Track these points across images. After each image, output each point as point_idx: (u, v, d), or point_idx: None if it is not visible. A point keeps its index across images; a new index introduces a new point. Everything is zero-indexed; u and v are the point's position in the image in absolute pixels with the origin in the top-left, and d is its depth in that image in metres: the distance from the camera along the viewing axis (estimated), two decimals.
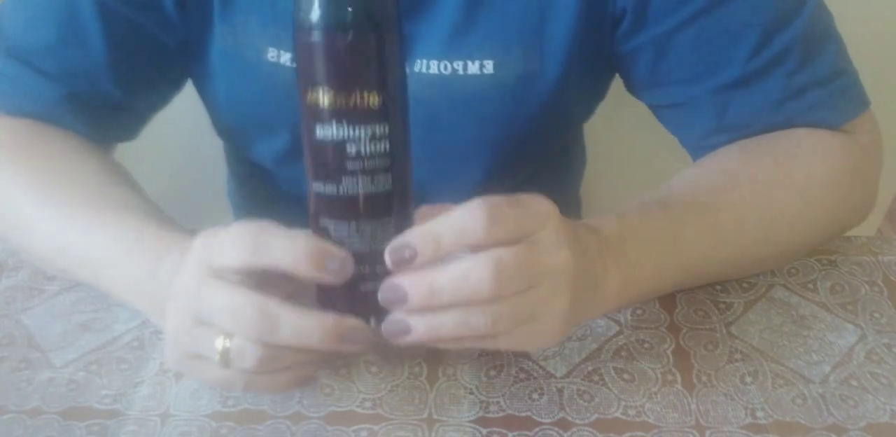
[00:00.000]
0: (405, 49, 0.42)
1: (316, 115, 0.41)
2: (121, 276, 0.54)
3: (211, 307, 0.43)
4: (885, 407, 0.53)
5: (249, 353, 0.43)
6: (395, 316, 0.43)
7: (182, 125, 0.90)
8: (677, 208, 0.56)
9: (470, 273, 0.42)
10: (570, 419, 0.52)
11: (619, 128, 1.00)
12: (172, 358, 0.46)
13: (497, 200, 0.43)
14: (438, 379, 0.54)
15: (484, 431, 0.51)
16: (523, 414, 0.52)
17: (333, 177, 0.42)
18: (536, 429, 0.51)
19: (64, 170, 0.61)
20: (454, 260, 0.42)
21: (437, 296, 0.42)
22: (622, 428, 0.51)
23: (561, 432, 0.51)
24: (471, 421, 0.52)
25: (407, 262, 0.42)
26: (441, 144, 0.69)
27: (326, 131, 0.41)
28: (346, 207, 0.42)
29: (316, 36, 0.40)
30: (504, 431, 0.51)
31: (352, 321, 0.43)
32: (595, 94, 0.73)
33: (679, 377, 0.55)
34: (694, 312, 0.60)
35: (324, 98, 0.40)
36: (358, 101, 0.40)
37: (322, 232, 0.43)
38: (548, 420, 0.52)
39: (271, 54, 0.64)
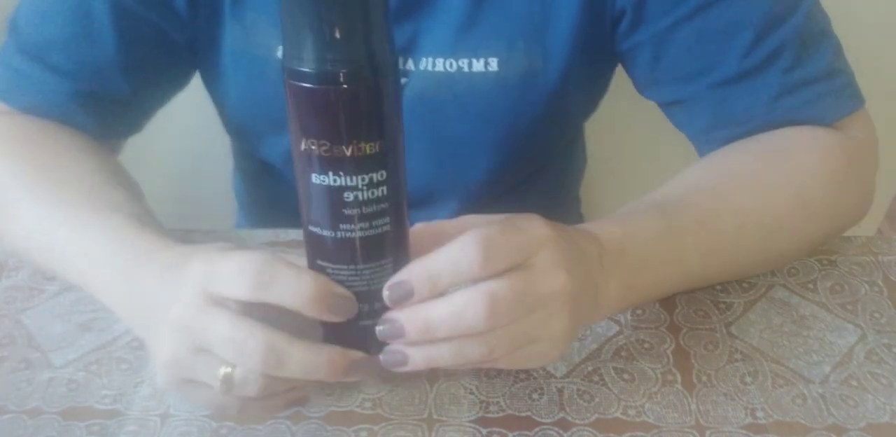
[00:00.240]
0: (401, 93, 0.40)
1: (311, 164, 0.40)
2: (100, 278, 0.54)
3: (212, 337, 0.42)
4: (885, 407, 0.53)
5: (252, 382, 0.43)
6: (394, 347, 0.44)
7: (188, 121, 0.90)
8: (676, 214, 0.56)
9: (465, 309, 0.42)
10: (570, 419, 0.52)
11: (619, 128, 1.00)
12: (165, 381, 0.46)
13: (491, 231, 0.43)
14: (438, 379, 0.54)
15: (484, 431, 0.51)
16: (523, 414, 0.52)
17: (330, 223, 0.41)
18: (536, 429, 0.51)
19: (62, 168, 0.61)
20: (450, 292, 0.43)
21: (433, 331, 0.42)
22: (622, 428, 0.51)
23: (561, 432, 0.51)
24: (471, 421, 0.52)
25: (404, 300, 0.43)
26: (445, 141, 0.69)
27: (322, 180, 0.40)
28: (343, 251, 0.42)
29: (309, 87, 0.38)
30: (504, 431, 0.51)
31: (356, 355, 0.44)
32: (596, 91, 0.74)
33: (679, 377, 0.55)
34: (694, 312, 0.60)
35: (320, 149, 0.39)
36: (356, 151, 0.39)
37: (319, 270, 0.43)
38: (548, 420, 0.52)
39: (281, 52, 0.64)
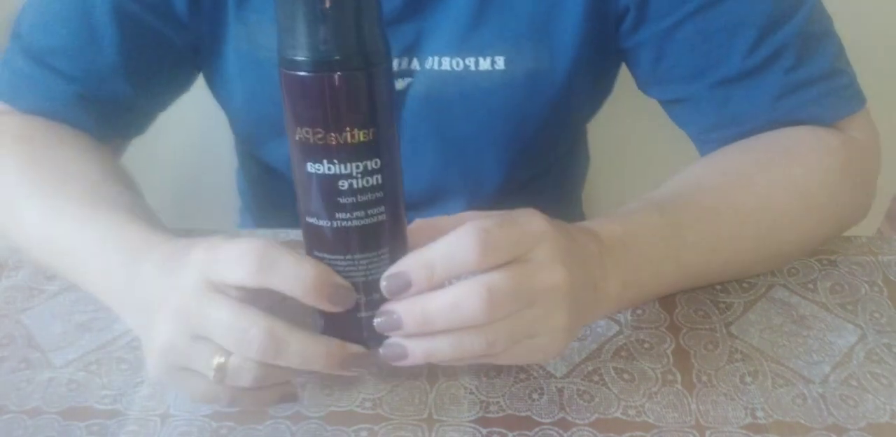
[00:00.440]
0: (393, 81, 0.41)
1: (306, 152, 0.40)
2: (98, 273, 0.54)
3: (212, 324, 0.42)
4: (885, 407, 0.53)
5: (247, 371, 0.43)
6: (393, 340, 0.44)
7: (191, 121, 0.90)
8: (677, 212, 0.56)
9: (463, 300, 0.42)
10: (570, 419, 0.52)
11: (621, 128, 1.00)
12: (158, 369, 0.46)
13: (489, 223, 0.43)
14: (438, 379, 0.54)
15: (484, 431, 0.51)
16: (523, 414, 0.52)
17: (326, 212, 0.41)
18: (536, 429, 0.51)
19: (63, 166, 0.61)
20: (449, 285, 0.43)
21: (430, 323, 0.42)
22: (622, 428, 0.51)
23: (561, 432, 0.51)
24: (471, 421, 0.52)
25: (402, 291, 0.43)
26: (452, 140, 0.69)
27: (317, 168, 0.40)
28: (339, 241, 0.42)
29: (303, 75, 0.38)
30: (504, 431, 0.51)
31: (354, 348, 0.44)
32: (601, 89, 0.74)
33: (679, 377, 0.55)
34: (694, 312, 0.60)
35: (314, 137, 0.39)
36: (349, 138, 0.39)
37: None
38: (548, 420, 0.52)
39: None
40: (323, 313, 0.44)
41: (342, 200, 0.41)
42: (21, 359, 0.56)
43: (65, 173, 0.61)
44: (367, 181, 0.40)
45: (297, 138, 0.40)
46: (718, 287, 0.62)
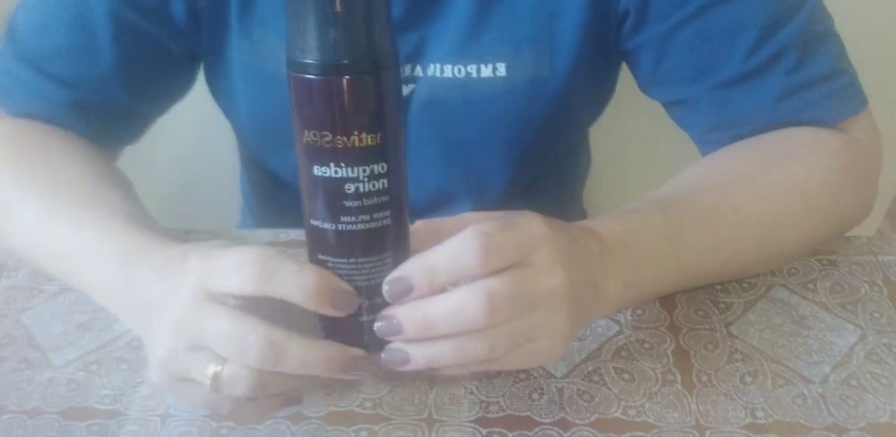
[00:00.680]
0: (401, 86, 0.41)
1: (313, 155, 0.40)
2: (97, 277, 0.54)
3: (209, 333, 0.42)
4: (885, 407, 0.53)
5: (241, 380, 0.43)
6: (395, 346, 0.44)
7: (191, 120, 0.90)
8: (678, 211, 0.56)
9: (464, 305, 0.42)
10: (570, 419, 0.52)
11: (622, 130, 1.00)
12: (159, 379, 0.46)
13: (490, 227, 0.43)
14: (438, 379, 0.54)
15: (484, 431, 0.51)
16: (523, 414, 0.52)
17: (331, 215, 0.41)
18: (536, 429, 0.51)
19: (57, 169, 0.61)
20: (449, 290, 0.43)
21: (431, 328, 0.42)
22: (622, 428, 0.51)
23: (561, 432, 0.51)
24: (471, 421, 0.52)
25: (404, 296, 0.42)
26: (455, 145, 0.69)
27: (324, 171, 0.40)
28: (344, 245, 0.42)
29: (312, 78, 0.39)
30: (504, 431, 0.51)
31: (355, 352, 0.44)
32: (603, 93, 0.74)
33: (679, 377, 0.55)
34: (694, 312, 0.60)
35: (322, 140, 0.39)
36: (357, 142, 0.39)
37: (320, 265, 0.43)
38: (548, 420, 0.52)
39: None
40: (324, 318, 0.44)
41: (348, 204, 0.41)
42: (21, 359, 0.56)
43: (59, 177, 0.60)
44: (374, 185, 0.41)
45: (304, 141, 0.40)
46: (718, 287, 0.62)
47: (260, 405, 0.47)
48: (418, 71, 0.65)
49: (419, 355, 0.43)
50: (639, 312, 0.60)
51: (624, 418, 0.52)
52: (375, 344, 0.44)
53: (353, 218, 0.41)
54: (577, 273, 0.46)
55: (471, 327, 0.42)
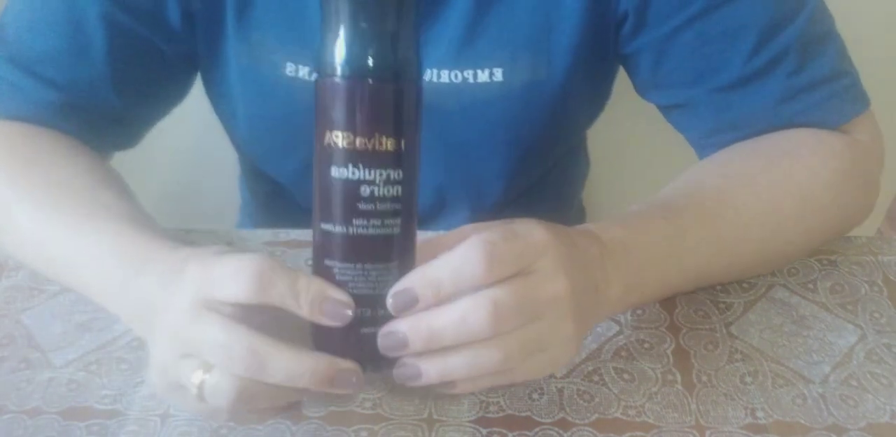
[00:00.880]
0: (422, 100, 0.42)
1: (332, 156, 0.41)
2: (98, 281, 0.54)
3: (201, 341, 0.42)
4: (885, 407, 0.53)
5: (225, 390, 0.42)
6: (406, 360, 0.43)
7: (191, 119, 0.90)
8: (679, 215, 0.56)
9: (468, 315, 0.42)
10: (570, 419, 0.52)
11: (621, 132, 1.00)
12: (159, 387, 0.46)
13: (493, 236, 0.43)
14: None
15: (484, 431, 0.51)
16: (523, 414, 0.52)
17: (344, 218, 0.42)
18: (536, 429, 0.51)
19: (52, 172, 0.60)
20: (452, 301, 0.42)
21: (437, 340, 0.42)
22: (622, 428, 0.51)
23: (561, 432, 0.51)
24: (471, 421, 0.52)
25: (409, 308, 0.42)
26: (453, 149, 0.69)
27: (342, 173, 0.41)
28: (353, 249, 0.42)
29: (340, 81, 0.40)
30: (504, 431, 0.51)
31: (345, 364, 0.42)
32: (600, 95, 0.74)
33: (679, 377, 0.55)
34: (694, 312, 0.60)
35: (343, 141, 0.41)
36: (377, 145, 0.41)
37: (325, 272, 0.43)
38: (548, 420, 0.52)
39: (289, 69, 0.64)
40: (320, 329, 0.43)
41: (362, 207, 0.41)
42: (21, 359, 0.56)
43: (54, 179, 0.60)
44: (388, 190, 0.41)
45: (324, 144, 0.41)
46: (718, 287, 0.62)
47: (254, 413, 0.46)
48: None
49: (432, 369, 0.43)
50: (639, 312, 0.60)
51: (624, 418, 0.52)
52: (374, 358, 0.44)
53: (366, 221, 0.42)
54: (579, 278, 0.46)
55: (477, 337, 0.42)
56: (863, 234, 0.67)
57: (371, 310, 0.43)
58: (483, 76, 0.64)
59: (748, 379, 0.54)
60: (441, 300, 0.42)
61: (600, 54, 0.65)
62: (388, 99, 0.41)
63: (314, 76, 0.41)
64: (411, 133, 0.42)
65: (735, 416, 0.52)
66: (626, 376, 0.55)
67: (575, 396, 0.53)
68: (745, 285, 0.62)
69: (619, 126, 0.93)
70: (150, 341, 0.47)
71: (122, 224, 0.55)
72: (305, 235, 0.66)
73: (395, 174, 0.41)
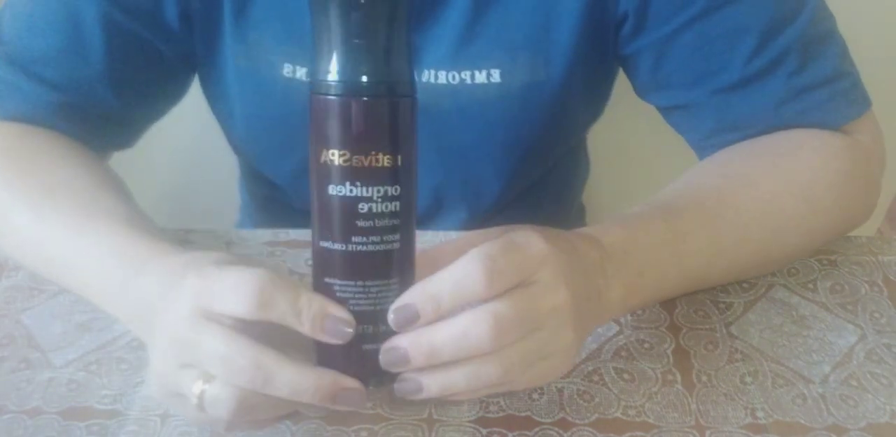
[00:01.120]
0: (417, 115, 0.42)
1: (329, 174, 0.41)
2: (97, 281, 0.54)
3: (202, 352, 0.42)
4: (885, 407, 0.53)
5: (225, 401, 0.42)
6: (407, 375, 0.43)
7: (190, 119, 0.90)
8: (679, 216, 0.56)
9: (469, 330, 0.41)
10: (570, 419, 0.52)
11: (621, 134, 1.00)
12: (158, 393, 0.46)
13: (492, 249, 0.42)
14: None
15: (484, 431, 0.51)
16: (523, 414, 0.52)
17: (342, 235, 0.42)
18: (536, 429, 0.51)
19: (50, 173, 0.60)
20: (452, 315, 0.42)
21: (438, 356, 0.42)
22: (622, 428, 0.51)
23: (561, 432, 0.51)
24: (471, 421, 0.52)
25: (410, 324, 0.42)
26: (451, 150, 0.69)
27: (339, 190, 0.41)
28: (353, 266, 0.42)
29: (334, 98, 0.40)
30: (504, 431, 0.51)
31: (349, 383, 0.42)
32: (599, 97, 0.74)
33: (679, 377, 0.55)
34: (694, 312, 0.60)
35: (339, 159, 0.41)
36: (374, 162, 0.41)
37: (325, 289, 0.43)
38: (548, 420, 0.52)
39: (286, 70, 0.64)
40: (322, 345, 0.43)
41: (360, 224, 0.41)
42: (21, 359, 0.56)
43: (52, 181, 0.59)
44: (386, 207, 0.41)
45: (321, 161, 0.41)
46: (718, 287, 0.62)
47: (255, 422, 0.46)
48: None
49: (433, 384, 0.43)
50: (639, 312, 0.60)
51: (624, 418, 0.52)
52: (376, 373, 0.44)
53: (364, 239, 0.42)
54: (580, 286, 0.46)
55: (478, 352, 0.42)
56: (863, 234, 0.67)
57: (372, 326, 0.43)
58: (481, 77, 0.64)
59: (748, 379, 0.54)
60: (442, 315, 0.42)
61: (599, 55, 0.65)
62: (384, 116, 0.41)
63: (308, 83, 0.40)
64: (408, 148, 0.42)
65: (735, 416, 0.52)
66: (626, 376, 0.55)
67: (575, 396, 0.53)
68: (745, 285, 0.62)
69: (619, 127, 0.93)
70: (150, 343, 0.46)
71: (122, 225, 0.54)
72: (305, 235, 0.66)
73: (392, 190, 0.41)
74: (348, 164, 0.40)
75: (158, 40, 0.64)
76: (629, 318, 0.59)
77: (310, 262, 0.44)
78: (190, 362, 0.42)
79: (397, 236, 0.42)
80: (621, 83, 0.73)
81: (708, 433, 0.51)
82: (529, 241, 0.44)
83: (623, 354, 0.56)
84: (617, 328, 0.58)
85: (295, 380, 0.41)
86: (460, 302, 0.42)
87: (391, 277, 0.43)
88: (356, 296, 0.43)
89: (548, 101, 0.66)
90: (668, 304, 0.60)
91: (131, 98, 0.66)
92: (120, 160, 0.72)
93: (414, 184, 0.43)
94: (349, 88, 0.40)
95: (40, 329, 0.59)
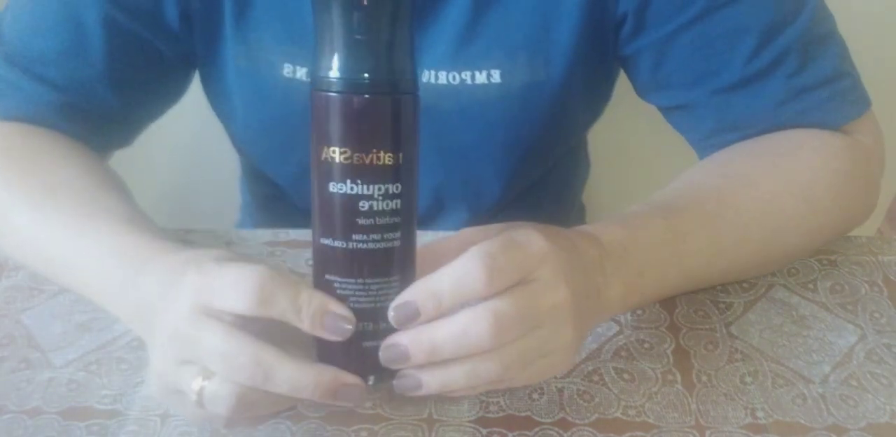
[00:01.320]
0: (419, 114, 0.42)
1: (330, 172, 0.41)
2: (97, 281, 0.54)
3: (202, 348, 0.42)
4: (885, 407, 0.53)
5: (225, 397, 0.42)
6: (407, 372, 0.43)
7: (191, 118, 0.90)
8: (679, 215, 0.56)
9: (469, 328, 0.42)
10: (570, 419, 0.52)
11: (622, 133, 1.00)
12: (157, 390, 0.46)
13: (492, 247, 0.42)
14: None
15: (484, 431, 0.51)
16: (523, 414, 0.52)
17: (343, 233, 0.42)
18: (536, 429, 0.51)
19: (51, 173, 0.60)
20: (452, 312, 0.42)
21: (438, 353, 0.42)
22: (622, 428, 0.51)
23: (561, 432, 0.51)
24: (471, 421, 0.52)
25: (411, 321, 0.42)
26: (451, 150, 0.69)
27: (340, 188, 0.41)
28: (353, 264, 0.42)
29: (336, 95, 0.40)
30: (504, 431, 0.51)
31: (349, 379, 0.43)
32: (600, 96, 0.74)
33: (679, 377, 0.55)
34: (694, 312, 0.60)
35: (340, 157, 0.40)
36: (374, 160, 0.40)
37: (326, 286, 0.43)
38: (548, 420, 0.52)
39: (287, 70, 0.64)
40: (322, 341, 0.43)
41: (361, 222, 0.41)
42: (21, 359, 0.56)
43: (52, 181, 0.59)
44: (387, 204, 0.41)
45: (321, 159, 0.41)
46: (718, 287, 0.62)
47: (254, 420, 0.46)
48: None
49: (432, 381, 0.43)
50: (639, 312, 0.60)
51: (624, 418, 0.52)
52: (376, 370, 0.44)
53: (365, 236, 0.42)
54: (579, 283, 0.46)
55: (478, 349, 0.42)
56: (863, 234, 0.67)
57: (373, 323, 0.43)
58: (481, 78, 0.64)
59: (748, 379, 0.55)
60: (442, 313, 0.42)
61: (599, 55, 0.65)
62: (386, 113, 0.40)
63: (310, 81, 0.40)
64: (409, 146, 0.41)
65: (735, 416, 0.52)
66: (626, 376, 0.55)
67: (575, 396, 0.53)
68: (745, 285, 0.62)
69: (619, 127, 0.93)
70: (150, 342, 0.46)
71: (123, 225, 0.55)
72: (305, 235, 0.66)
73: (393, 188, 0.41)
74: (349, 161, 0.40)
75: (159, 40, 0.64)
76: (629, 318, 0.59)
77: (310, 262, 0.44)
78: (190, 358, 0.42)
79: (398, 234, 0.42)
80: (621, 83, 0.73)
81: (708, 433, 0.51)
82: (530, 239, 0.44)
83: (623, 354, 0.56)
84: (617, 328, 0.58)
85: (295, 376, 0.41)
86: (461, 300, 0.42)
87: (391, 274, 0.43)
88: (356, 293, 0.43)
89: (548, 101, 0.66)
90: (668, 304, 0.60)
91: (131, 98, 0.66)
92: (120, 160, 0.72)
93: (415, 182, 0.42)
94: (351, 84, 0.40)
95: (40, 329, 0.59)
